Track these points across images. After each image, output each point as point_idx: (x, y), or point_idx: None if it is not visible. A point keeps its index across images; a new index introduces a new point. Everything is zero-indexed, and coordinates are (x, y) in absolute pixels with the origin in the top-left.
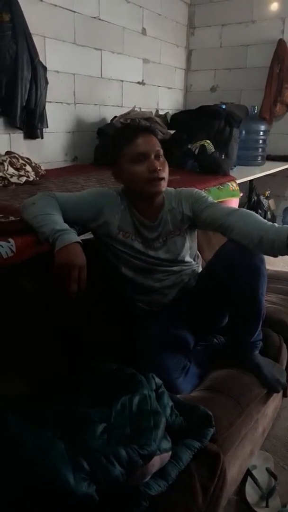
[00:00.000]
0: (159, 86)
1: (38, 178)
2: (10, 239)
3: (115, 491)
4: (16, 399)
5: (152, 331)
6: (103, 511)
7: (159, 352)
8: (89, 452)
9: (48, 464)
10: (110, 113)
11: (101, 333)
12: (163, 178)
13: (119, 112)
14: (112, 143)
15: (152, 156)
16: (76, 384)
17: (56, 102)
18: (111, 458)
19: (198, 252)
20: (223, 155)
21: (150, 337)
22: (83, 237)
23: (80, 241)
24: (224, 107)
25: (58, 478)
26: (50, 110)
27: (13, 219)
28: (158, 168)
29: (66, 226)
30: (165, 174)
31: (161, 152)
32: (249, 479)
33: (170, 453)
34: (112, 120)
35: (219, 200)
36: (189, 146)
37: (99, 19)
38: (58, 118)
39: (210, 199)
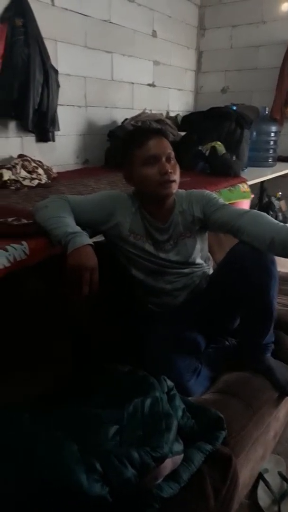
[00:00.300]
0: (170, 88)
1: (50, 181)
2: (23, 242)
3: (127, 493)
4: (29, 401)
5: (163, 333)
6: None
7: (171, 354)
8: (102, 453)
9: (62, 465)
10: (120, 116)
11: (111, 335)
12: (174, 181)
13: (129, 114)
14: (123, 145)
15: (164, 159)
16: (87, 386)
17: (68, 105)
18: (123, 460)
19: (209, 254)
20: (234, 157)
21: (161, 339)
22: (94, 239)
23: (92, 243)
24: (234, 108)
25: (71, 479)
26: (62, 113)
27: (26, 222)
28: (169, 170)
29: (78, 228)
30: (176, 176)
31: (173, 154)
32: (261, 482)
33: (182, 455)
34: (123, 122)
35: (230, 202)
36: (199, 148)
37: (110, 22)
38: (70, 121)
39: (221, 200)
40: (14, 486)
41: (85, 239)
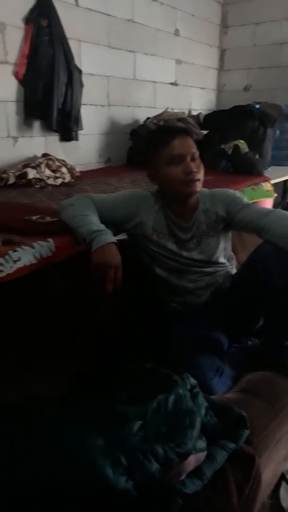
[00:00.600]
0: (192, 86)
1: (73, 180)
2: (49, 239)
3: (151, 488)
4: (52, 396)
5: (186, 332)
6: (140, 507)
7: (194, 353)
8: (127, 448)
9: (88, 459)
10: (143, 115)
11: (134, 332)
12: (198, 180)
13: (152, 113)
14: (147, 144)
15: (188, 158)
16: (111, 383)
17: (91, 105)
18: (148, 455)
19: (232, 253)
20: (257, 155)
21: (184, 337)
22: (117, 237)
23: (116, 241)
24: (257, 106)
25: (97, 473)
26: (85, 113)
27: (52, 220)
28: (194, 170)
29: (102, 226)
30: (200, 175)
31: (197, 154)
32: (283, 483)
33: (205, 453)
34: (145, 121)
35: (253, 201)
36: (222, 146)
37: (133, 21)
38: (93, 120)
39: (245, 199)
40: (41, 478)
41: (109, 237)
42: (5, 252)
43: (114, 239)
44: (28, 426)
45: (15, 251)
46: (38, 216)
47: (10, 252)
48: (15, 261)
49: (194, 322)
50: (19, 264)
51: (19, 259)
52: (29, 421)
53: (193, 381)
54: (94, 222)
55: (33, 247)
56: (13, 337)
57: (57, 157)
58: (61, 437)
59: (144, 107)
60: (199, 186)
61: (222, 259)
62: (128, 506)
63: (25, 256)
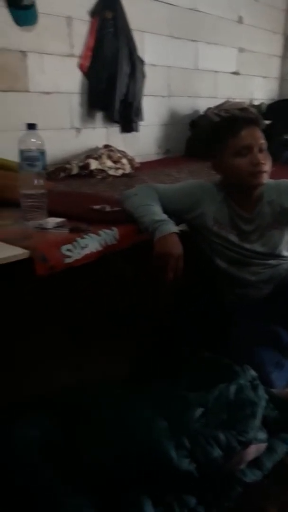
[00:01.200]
0: (254, 75)
1: (133, 171)
2: (113, 228)
3: (212, 473)
4: (115, 379)
5: (247, 324)
6: (201, 490)
7: (254, 346)
8: (189, 432)
9: (153, 440)
10: (203, 105)
11: (193, 322)
12: (265, 171)
13: (212, 103)
14: (213, 134)
15: (256, 149)
16: (171, 369)
17: (152, 95)
18: (210, 440)
19: None
20: None
21: (245, 330)
22: (178, 228)
23: (178, 231)
24: None
25: (162, 453)
26: (146, 103)
27: (116, 209)
28: (262, 161)
29: (165, 216)
30: (267, 167)
31: (265, 145)
32: None
33: (266, 444)
34: (205, 111)
35: None
36: (285, 137)
37: (196, 10)
38: (153, 111)
39: None
40: (109, 455)
41: (172, 227)
42: (73, 238)
43: (176, 229)
44: (100, 403)
45: (82, 238)
46: (102, 205)
47: (78, 239)
48: (82, 248)
49: (255, 315)
50: (86, 251)
51: (86, 246)
52: (100, 399)
53: (253, 373)
54: (157, 212)
55: (99, 234)
56: (76, 320)
57: (118, 148)
58: (129, 416)
59: (205, 97)
60: (265, 178)
61: (285, 252)
62: (190, 488)
63: (91, 243)
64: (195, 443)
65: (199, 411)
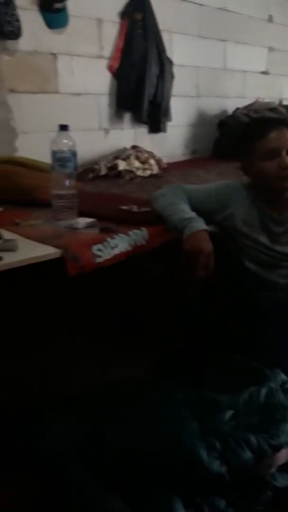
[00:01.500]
0: (284, 75)
1: (161, 171)
2: (142, 228)
3: (243, 476)
4: (141, 379)
5: (277, 328)
6: (231, 493)
7: (284, 350)
8: (220, 434)
9: (184, 441)
10: (231, 105)
11: (222, 324)
12: None
13: (241, 103)
14: (242, 135)
15: (284, 152)
16: (200, 370)
17: (180, 96)
18: (241, 443)
19: None
20: None
21: (276, 334)
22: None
23: (207, 229)
24: None
25: (193, 454)
26: (174, 104)
27: (145, 209)
28: None
29: (194, 214)
30: None
31: None
32: None
33: None
34: (234, 112)
35: None
36: None
37: (226, 9)
38: (181, 112)
39: None
40: (140, 455)
41: (201, 225)
42: (104, 238)
43: (205, 226)
44: (129, 402)
45: (112, 238)
46: (131, 205)
47: (109, 239)
48: (112, 248)
49: (285, 318)
50: (116, 251)
51: (116, 246)
52: (130, 398)
53: (284, 377)
54: (185, 210)
55: (128, 235)
56: (102, 321)
57: (145, 148)
58: (159, 416)
59: (233, 97)
60: None
61: None
62: (220, 490)
63: (121, 243)
64: (225, 445)
65: (229, 414)
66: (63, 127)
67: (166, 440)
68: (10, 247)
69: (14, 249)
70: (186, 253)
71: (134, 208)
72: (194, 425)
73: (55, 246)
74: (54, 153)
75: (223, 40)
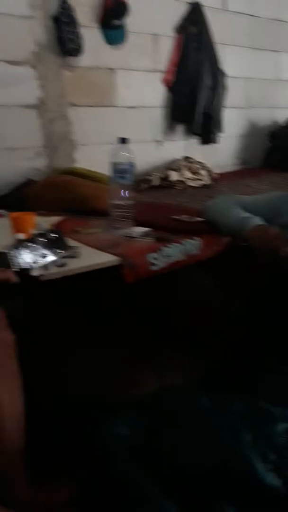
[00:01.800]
0: None
1: (212, 182)
2: (196, 238)
3: None
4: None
5: None
6: (286, 507)
7: None
8: (275, 447)
9: (239, 450)
10: (282, 115)
11: (278, 333)
12: None
13: None
14: None
15: None
16: (254, 380)
17: (231, 107)
18: None
19: None
20: None
21: None
22: None
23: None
24: None
25: (247, 465)
26: (225, 115)
27: (198, 219)
28: None
29: (250, 214)
30: None
31: None
32: None
33: None
34: (286, 122)
35: None
36: None
37: (279, 20)
38: (232, 123)
39: None
40: (193, 464)
41: (261, 221)
42: (159, 247)
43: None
44: (185, 409)
45: (167, 247)
46: (185, 215)
47: (163, 247)
48: (167, 256)
49: None
50: (170, 259)
51: (170, 255)
52: (185, 405)
53: None
54: (241, 212)
55: (182, 244)
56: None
57: (196, 159)
58: (214, 425)
59: (285, 108)
60: None
61: None
62: (275, 504)
63: (175, 252)
64: (280, 458)
65: (282, 427)
66: (123, 140)
67: (221, 451)
68: (73, 254)
69: (77, 256)
70: (256, 241)
71: (187, 218)
72: (249, 435)
73: (113, 254)
74: (113, 165)
75: (275, 51)
